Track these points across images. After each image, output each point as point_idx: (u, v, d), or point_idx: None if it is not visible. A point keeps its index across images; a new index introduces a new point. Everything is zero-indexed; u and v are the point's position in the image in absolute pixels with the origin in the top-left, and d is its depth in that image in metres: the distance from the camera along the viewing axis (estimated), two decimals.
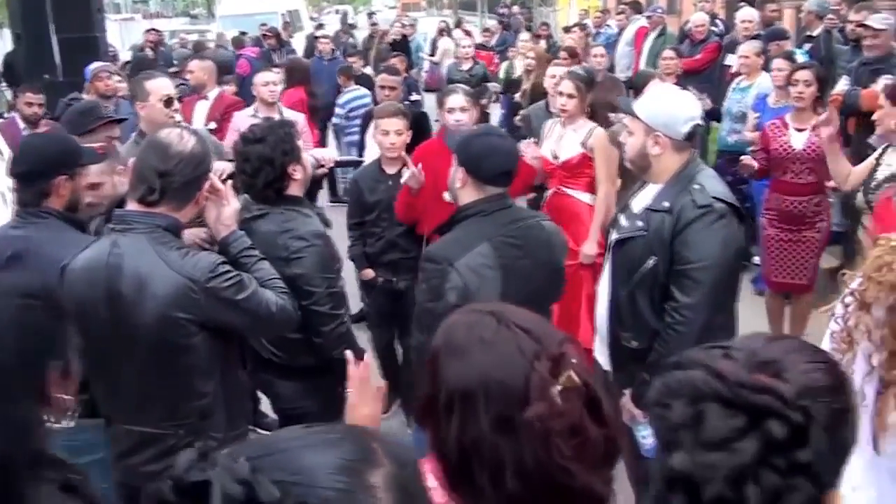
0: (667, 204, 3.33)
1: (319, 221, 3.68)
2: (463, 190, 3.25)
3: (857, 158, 5.58)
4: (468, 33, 18.38)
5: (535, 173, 5.41)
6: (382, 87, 6.87)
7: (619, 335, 3.52)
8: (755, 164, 5.92)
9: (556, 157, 5.60)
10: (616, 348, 3.56)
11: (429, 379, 1.61)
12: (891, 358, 2.13)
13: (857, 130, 6.49)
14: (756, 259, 7.38)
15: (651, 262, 3.34)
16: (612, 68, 11.24)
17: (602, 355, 3.70)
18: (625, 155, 3.64)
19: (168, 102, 4.68)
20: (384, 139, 5.05)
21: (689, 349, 3.23)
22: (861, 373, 2.18)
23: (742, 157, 6.13)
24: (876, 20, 6.96)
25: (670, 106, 3.44)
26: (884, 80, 6.53)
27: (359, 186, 5.21)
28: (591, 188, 5.61)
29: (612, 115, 5.80)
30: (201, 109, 7.32)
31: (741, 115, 7.44)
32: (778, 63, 6.96)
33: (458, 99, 5.18)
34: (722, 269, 3.28)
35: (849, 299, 2.26)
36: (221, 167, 3.42)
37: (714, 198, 3.29)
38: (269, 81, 7.02)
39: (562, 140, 5.64)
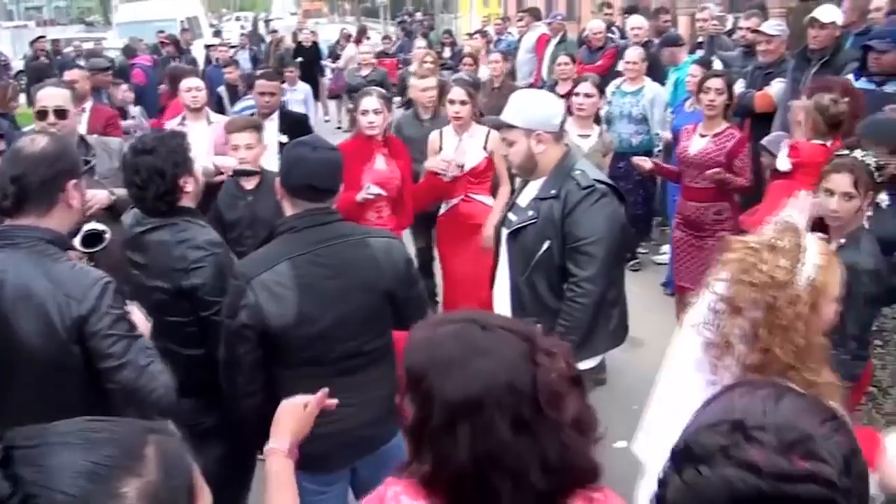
0: (554, 191, 3.60)
1: (214, 231, 3.57)
2: (283, 203, 3.12)
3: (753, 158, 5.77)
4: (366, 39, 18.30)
5: (439, 187, 5.43)
6: (262, 94, 6.63)
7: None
8: (646, 164, 6.13)
9: (461, 167, 5.61)
10: None
11: (417, 402, 1.55)
12: (764, 356, 2.16)
13: (750, 131, 6.66)
14: (663, 259, 7.57)
15: (545, 245, 3.59)
16: (513, 75, 11.35)
17: None
18: (510, 164, 3.91)
19: (41, 115, 4.49)
20: (234, 154, 4.90)
21: (587, 321, 3.38)
22: (732, 378, 2.16)
23: (634, 158, 6.38)
24: (769, 27, 7.17)
25: (540, 105, 3.71)
26: (776, 83, 6.78)
27: (215, 204, 4.88)
28: (494, 191, 5.67)
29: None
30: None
31: (642, 117, 7.65)
32: (693, 69, 7.20)
33: (372, 101, 5.29)
34: (611, 241, 3.55)
35: (719, 306, 2.24)
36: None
37: (595, 180, 3.61)
38: (191, 87, 6.79)
39: (460, 148, 5.67)
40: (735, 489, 1.08)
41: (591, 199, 3.55)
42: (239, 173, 4.76)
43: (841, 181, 3.58)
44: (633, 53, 7.98)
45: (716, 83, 5.88)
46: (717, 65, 7.63)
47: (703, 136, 5.91)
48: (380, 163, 5.38)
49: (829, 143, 4.93)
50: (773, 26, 7.18)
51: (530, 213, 3.67)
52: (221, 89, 10.17)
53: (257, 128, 5.05)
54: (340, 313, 2.96)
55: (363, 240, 3.11)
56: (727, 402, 1.23)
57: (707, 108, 5.89)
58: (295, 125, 6.41)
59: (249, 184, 4.87)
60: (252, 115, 6.33)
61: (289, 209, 3.08)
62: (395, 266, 3.13)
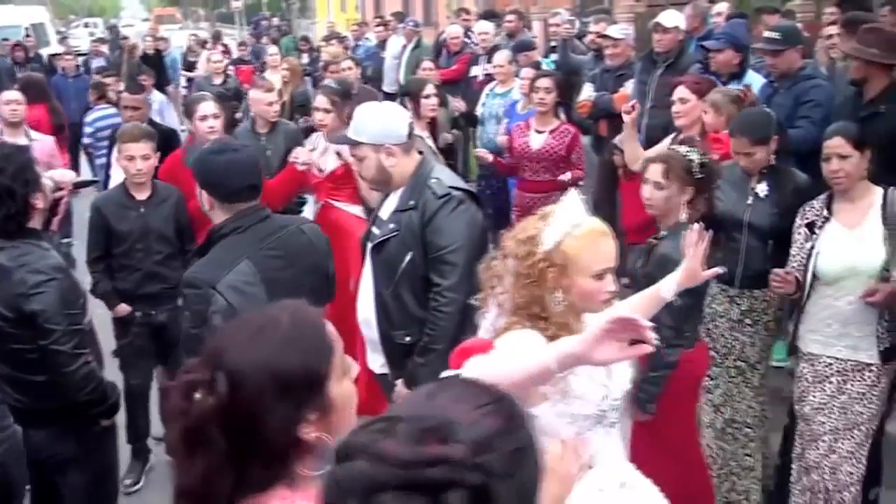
0: (412, 202, 3.58)
1: (58, 254, 3.44)
2: (213, 212, 3.20)
3: (606, 158, 6.00)
4: (225, 48, 17.90)
5: (296, 178, 5.45)
6: (126, 108, 6.51)
7: (390, 335, 3.70)
8: (488, 157, 6.65)
9: (321, 171, 5.62)
10: (390, 348, 3.74)
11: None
12: (510, 301, 2.53)
13: (608, 132, 6.89)
14: None
15: (408, 257, 3.57)
16: (380, 81, 11.38)
17: (376, 361, 3.88)
18: (364, 180, 3.95)
19: None
20: (130, 165, 4.75)
21: (452, 329, 3.42)
22: (493, 313, 2.60)
23: (477, 151, 6.92)
24: (615, 31, 7.42)
25: (384, 117, 3.66)
26: (629, 84, 7.01)
27: (102, 214, 4.77)
28: (357, 199, 5.65)
29: None
30: None
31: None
32: (526, 72, 7.42)
33: (209, 106, 5.31)
34: (471, 249, 3.54)
35: (498, 252, 2.62)
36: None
37: (451, 187, 3.60)
38: (10, 100, 6.51)
39: (326, 153, 5.66)
40: (368, 480, 1.11)
41: (449, 207, 3.55)
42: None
43: (654, 171, 3.80)
44: (501, 56, 8.19)
45: (544, 83, 6.35)
46: (547, 68, 7.99)
47: (539, 132, 6.30)
48: None
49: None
50: (619, 30, 7.44)
51: (391, 225, 3.65)
52: None
53: (152, 136, 4.92)
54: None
55: (299, 228, 3.37)
56: (401, 404, 1.31)
57: (539, 105, 6.32)
58: (163, 139, 6.23)
59: (141, 195, 4.79)
60: (113, 127, 6.17)
61: (221, 215, 3.16)
62: (325, 248, 3.46)
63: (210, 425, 1.52)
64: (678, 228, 3.68)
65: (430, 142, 6.09)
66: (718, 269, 3.09)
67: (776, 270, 3.93)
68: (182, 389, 1.56)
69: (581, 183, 6.84)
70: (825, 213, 3.97)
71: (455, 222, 3.54)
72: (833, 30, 7.33)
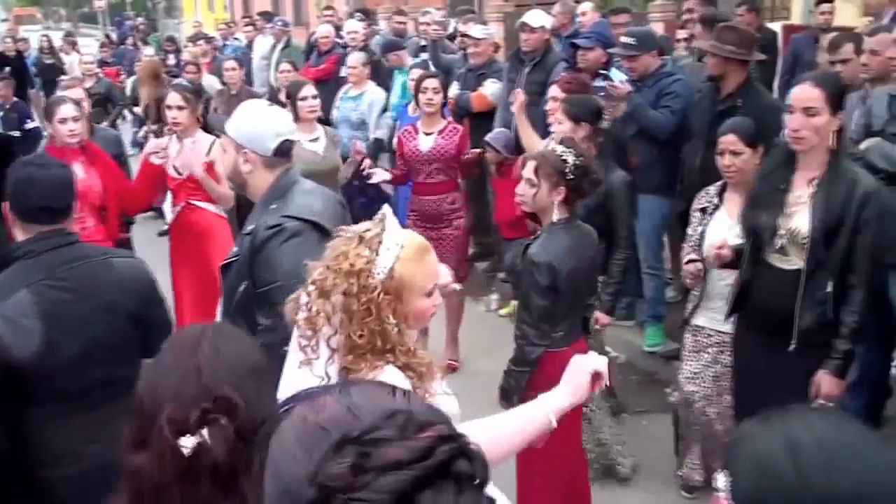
0: (251, 226, 3.23)
1: None
2: (14, 229, 2.92)
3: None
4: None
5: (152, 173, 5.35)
6: None
7: None
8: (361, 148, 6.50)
9: (179, 173, 5.47)
10: None
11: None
12: (347, 341, 2.27)
13: (471, 130, 6.90)
14: None
15: (243, 287, 3.20)
16: (250, 82, 11.14)
17: None
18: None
19: None
20: None
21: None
22: (324, 357, 2.31)
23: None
24: (476, 30, 7.44)
25: (256, 122, 3.30)
26: (490, 84, 7.07)
27: None
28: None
29: None
30: None
31: (361, 122, 7.69)
32: (413, 72, 7.28)
33: (69, 109, 5.16)
34: (297, 287, 3.04)
35: (311, 287, 2.34)
36: None
37: (288, 216, 3.16)
38: None
39: (184, 152, 5.52)
40: (396, 491, 1.04)
41: (278, 239, 3.12)
42: None
43: (527, 168, 3.83)
44: (354, 58, 8.02)
45: (432, 83, 6.20)
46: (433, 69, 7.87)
47: (428, 133, 6.15)
48: (77, 171, 5.08)
49: None
50: (480, 30, 7.47)
51: (235, 248, 3.35)
52: None
53: None
54: (88, 339, 2.80)
55: (106, 260, 3.02)
56: (308, 429, 1.15)
57: (426, 106, 6.17)
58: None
59: None
60: None
61: (20, 234, 2.90)
62: (139, 286, 3.06)
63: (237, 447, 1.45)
64: (551, 229, 3.75)
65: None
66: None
67: (689, 269, 4.14)
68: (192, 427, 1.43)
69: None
70: (716, 200, 4.23)
71: (282, 257, 3.12)
72: (683, 34, 7.62)
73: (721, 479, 1.23)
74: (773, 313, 3.62)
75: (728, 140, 4.11)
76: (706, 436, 4.37)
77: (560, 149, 3.81)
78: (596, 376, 2.26)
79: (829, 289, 3.50)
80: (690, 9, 7.23)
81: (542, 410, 2.20)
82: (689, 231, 4.34)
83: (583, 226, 3.86)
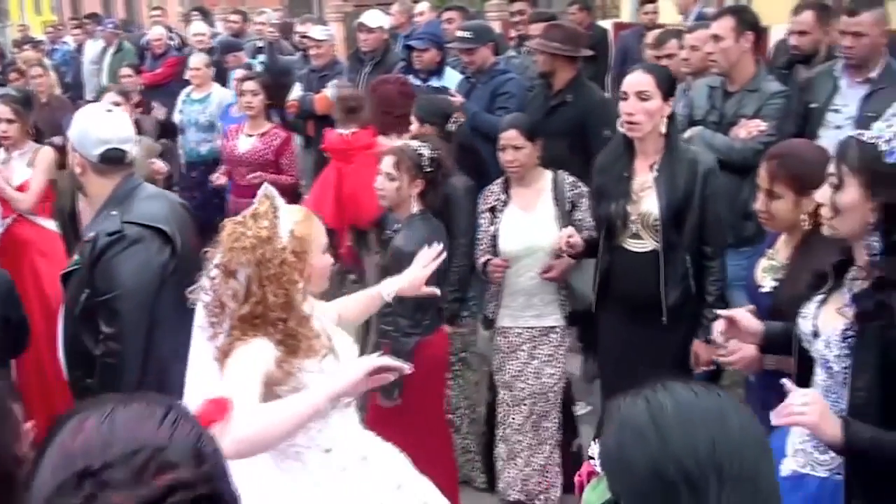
0: (92, 233, 3.18)
1: None
2: None
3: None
4: None
5: None
6: None
7: (77, 378, 3.28)
8: (164, 168, 6.33)
9: (10, 184, 5.23)
10: (76, 391, 3.35)
11: None
12: (248, 311, 2.47)
13: (315, 132, 6.87)
14: None
15: (84, 295, 3.15)
16: (80, 88, 10.71)
17: None
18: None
19: None
20: None
21: (120, 379, 3.08)
22: (225, 332, 2.51)
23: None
24: (317, 32, 7.40)
25: (85, 127, 3.24)
26: (332, 85, 7.04)
27: None
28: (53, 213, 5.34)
29: None
30: None
31: (209, 124, 7.48)
32: (238, 73, 7.26)
33: None
34: (142, 294, 3.13)
35: (214, 272, 2.51)
36: None
37: (129, 222, 3.14)
38: None
39: (10, 165, 5.29)
40: None
41: (118, 247, 3.10)
42: None
43: (386, 163, 3.95)
44: (197, 59, 7.82)
45: (250, 85, 6.22)
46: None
47: (249, 135, 6.16)
48: None
49: (349, 132, 5.46)
50: (321, 31, 7.44)
51: (76, 256, 3.27)
52: None
53: None
54: None
55: None
56: (62, 451, 1.14)
57: (246, 109, 6.19)
58: None
59: None
60: None
61: None
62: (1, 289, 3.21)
63: None
64: (411, 220, 3.89)
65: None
66: (435, 291, 3.29)
67: (495, 261, 4.19)
68: None
69: (302, 182, 6.81)
70: (503, 197, 4.30)
71: (121, 266, 3.09)
72: (514, 32, 7.79)
73: (593, 448, 1.33)
74: (639, 295, 3.78)
75: (509, 136, 4.19)
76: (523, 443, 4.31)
77: (415, 144, 3.99)
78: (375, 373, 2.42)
79: (688, 264, 3.71)
80: (522, 10, 7.39)
81: (318, 397, 2.37)
82: (480, 235, 4.32)
83: (435, 220, 3.97)
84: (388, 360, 2.45)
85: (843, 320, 2.34)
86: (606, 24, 10.28)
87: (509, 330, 4.28)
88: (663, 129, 3.69)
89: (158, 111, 7.74)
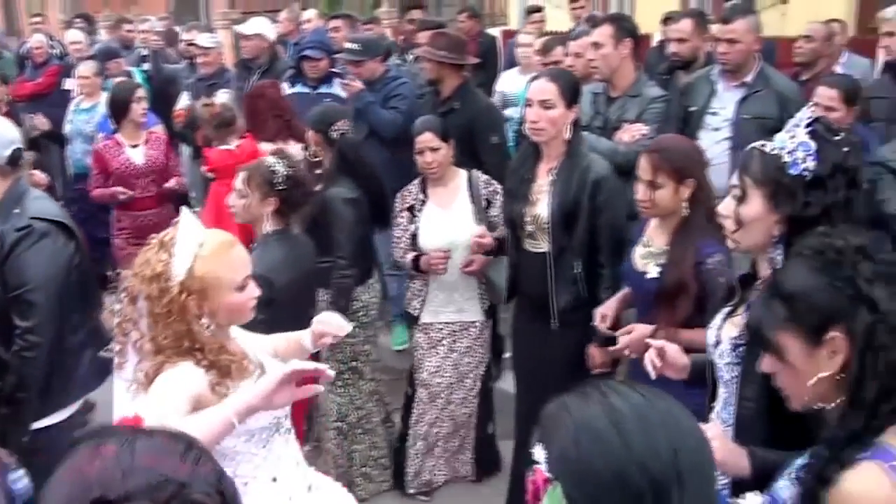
0: None
1: None
2: None
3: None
4: None
5: None
6: None
7: None
8: (44, 180, 5.94)
9: None
10: None
11: None
12: (152, 343, 2.37)
13: (204, 143, 6.73)
14: None
15: None
16: None
17: None
18: None
19: None
20: None
21: (40, 374, 3.13)
22: (132, 361, 2.42)
23: None
24: (203, 39, 7.29)
25: None
26: (221, 94, 6.92)
27: None
28: None
29: None
30: None
31: (94, 135, 7.27)
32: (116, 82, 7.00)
33: None
34: (54, 285, 3.28)
35: (122, 295, 2.43)
36: None
37: (35, 218, 3.28)
38: None
39: None
40: None
41: (28, 241, 3.23)
42: None
43: (238, 179, 3.81)
44: (85, 68, 7.51)
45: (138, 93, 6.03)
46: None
47: (135, 145, 5.98)
48: None
49: (233, 146, 5.37)
50: (208, 38, 7.33)
51: None
52: None
53: None
54: None
55: None
56: (78, 477, 1.10)
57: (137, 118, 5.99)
58: None
59: None
60: None
61: None
62: None
63: None
64: (265, 240, 3.74)
65: None
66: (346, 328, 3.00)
67: (435, 253, 4.27)
68: None
69: (192, 194, 6.69)
70: (421, 196, 4.41)
71: (35, 258, 3.23)
72: (424, 37, 7.81)
73: (538, 452, 1.26)
74: (535, 295, 3.91)
75: (425, 138, 4.30)
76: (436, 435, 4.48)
77: (271, 160, 3.83)
78: (287, 381, 2.24)
79: (578, 269, 3.80)
80: (412, 19, 7.44)
81: (228, 409, 2.24)
82: (398, 233, 4.47)
83: (299, 237, 3.87)
84: (305, 365, 2.29)
85: (736, 329, 2.34)
86: (495, 31, 10.41)
87: (430, 326, 4.40)
88: (567, 135, 3.78)
89: (39, 122, 7.45)
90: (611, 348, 3.27)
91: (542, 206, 3.81)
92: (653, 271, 3.30)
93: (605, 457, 1.20)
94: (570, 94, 3.79)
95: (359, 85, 5.76)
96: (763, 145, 2.22)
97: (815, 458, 1.72)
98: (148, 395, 2.34)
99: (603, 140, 4.65)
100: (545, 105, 3.72)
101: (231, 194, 3.85)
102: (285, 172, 3.74)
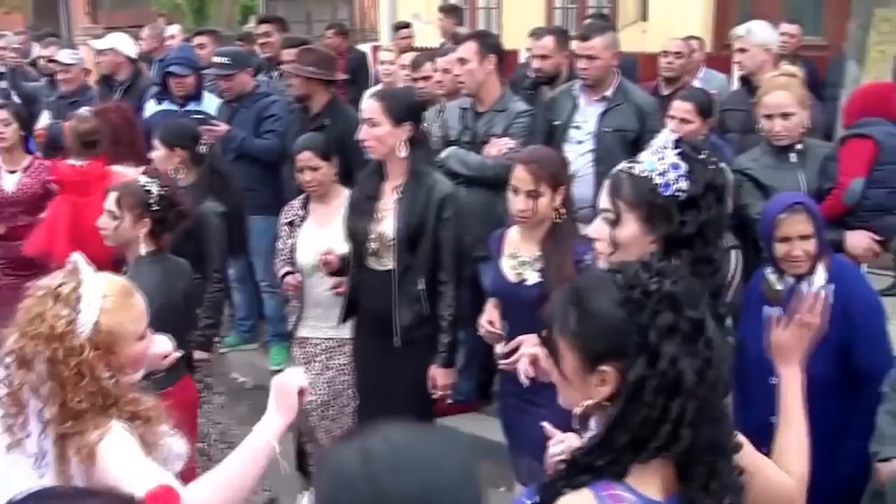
0: None
1: None
2: None
3: None
4: None
5: None
6: None
7: None
8: None
9: None
10: None
11: None
12: (62, 410, 2.10)
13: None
14: None
15: None
16: None
17: None
18: None
19: None
20: None
21: None
22: (36, 432, 2.12)
23: None
24: (64, 56, 7.05)
25: None
26: (83, 111, 6.73)
27: None
28: None
29: None
30: None
31: None
32: None
33: None
34: None
35: (8, 359, 2.13)
36: None
37: None
38: None
39: None
40: None
41: None
42: None
43: (108, 199, 3.66)
44: None
45: (0, 115, 5.59)
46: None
47: (12, 171, 5.60)
48: None
49: (83, 162, 5.00)
50: (69, 55, 7.10)
51: None
52: None
53: None
54: None
55: None
56: None
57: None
58: None
59: None
60: None
61: None
62: None
63: None
64: (139, 263, 3.63)
65: None
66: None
67: (288, 280, 4.29)
68: None
69: None
70: (302, 213, 4.43)
71: None
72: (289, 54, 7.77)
73: (306, 498, 1.29)
74: (378, 314, 3.88)
75: (304, 157, 4.31)
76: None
77: (144, 179, 3.71)
78: (301, 392, 2.23)
79: (421, 286, 3.80)
80: (268, 32, 7.38)
81: (262, 439, 2.18)
82: (280, 245, 4.52)
83: (172, 259, 3.75)
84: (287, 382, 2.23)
85: None
86: (365, 47, 10.45)
87: (307, 340, 4.37)
88: (401, 153, 3.76)
89: None
90: (502, 362, 3.15)
91: (387, 224, 3.81)
92: (532, 278, 3.39)
93: (352, 499, 1.22)
94: (399, 113, 3.74)
95: (222, 128, 5.61)
96: (631, 167, 2.20)
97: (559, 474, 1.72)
98: (105, 467, 2.08)
99: (471, 154, 4.75)
100: (370, 123, 3.74)
101: (101, 216, 3.68)
102: (159, 192, 3.63)
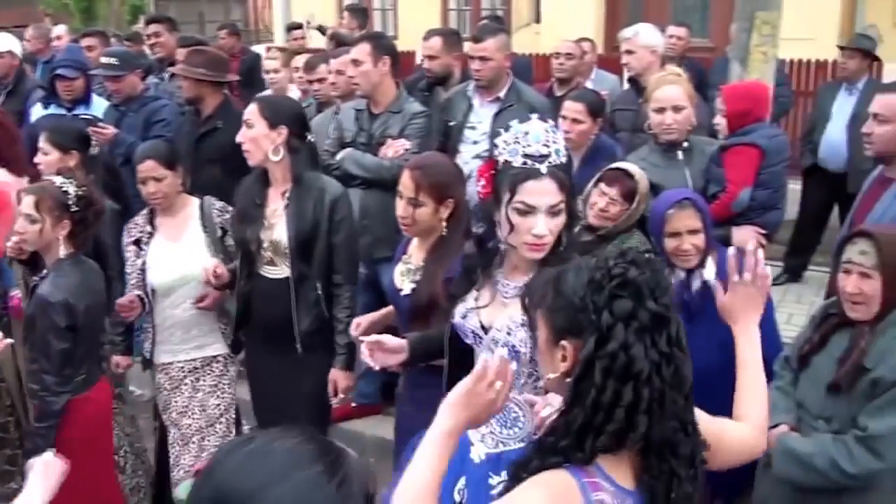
0: None
1: None
2: None
3: None
4: None
5: None
6: None
7: None
8: None
9: None
10: None
11: None
12: None
13: None
14: None
15: None
16: None
17: None
18: None
19: None
20: None
21: None
22: None
23: None
24: None
25: None
26: None
27: None
28: None
29: None
30: None
31: None
32: None
33: None
34: None
35: None
36: None
37: None
38: None
39: None
40: None
41: None
42: None
43: (25, 203, 3.57)
44: None
45: None
46: None
47: None
48: None
49: None
50: None
51: None
52: None
53: None
54: None
55: None
56: None
57: None
58: None
59: None
60: None
61: None
62: None
63: None
64: (59, 266, 3.55)
65: None
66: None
67: (120, 301, 3.95)
68: None
69: None
70: (148, 228, 4.11)
71: None
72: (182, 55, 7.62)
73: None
74: (275, 322, 3.77)
75: (147, 167, 3.99)
76: None
77: (59, 180, 3.60)
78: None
79: (319, 290, 3.74)
80: (158, 32, 7.21)
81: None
82: (128, 268, 4.16)
83: (88, 261, 3.68)
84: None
85: (518, 308, 2.30)
86: (260, 48, 10.33)
87: (170, 366, 4.11)
88: (275, 157, 3.67)
89: None
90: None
91: (279, 231, 3.72)
92: (407, 288, 3.31)
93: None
94: (274, 116, 3.66)
95: (110, 131, 5.44)
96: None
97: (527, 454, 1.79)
98: None
99: (368, 156, 4.74)
100: (247, 124, 3.67)
101: (19, 220, 3.57)
102: (77, 193, 3.55)
